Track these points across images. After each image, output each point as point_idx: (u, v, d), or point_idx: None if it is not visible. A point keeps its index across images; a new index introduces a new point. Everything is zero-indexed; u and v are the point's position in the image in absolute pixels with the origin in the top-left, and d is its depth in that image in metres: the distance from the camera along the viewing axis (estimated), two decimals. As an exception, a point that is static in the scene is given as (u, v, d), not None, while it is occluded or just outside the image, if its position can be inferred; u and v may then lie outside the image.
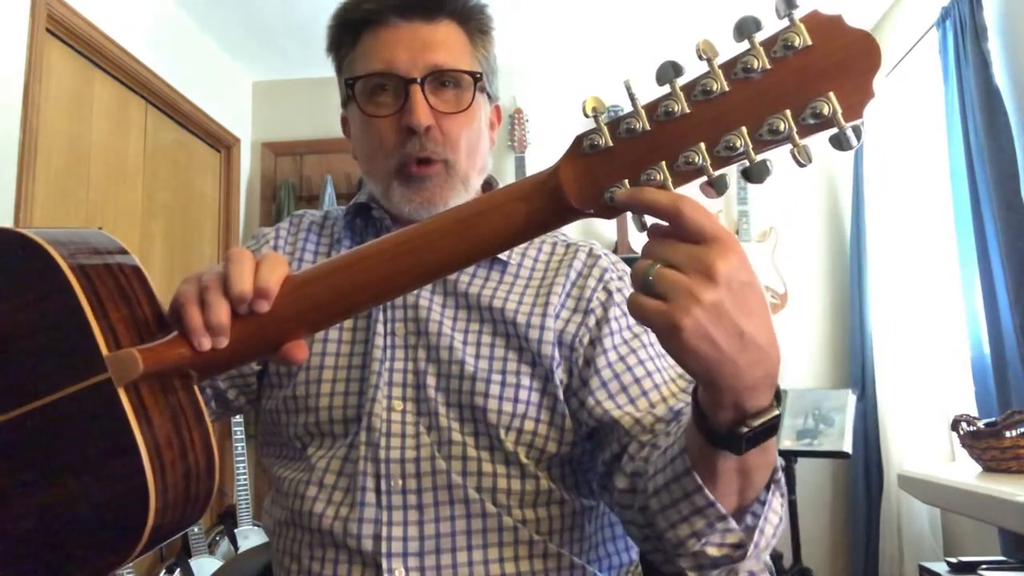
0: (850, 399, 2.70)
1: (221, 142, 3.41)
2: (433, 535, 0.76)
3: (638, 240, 3.26)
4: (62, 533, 0.52)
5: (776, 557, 2.59)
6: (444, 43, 0.83)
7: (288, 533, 0.82)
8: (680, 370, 0.81)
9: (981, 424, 1.71)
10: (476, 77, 0.84)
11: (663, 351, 0.82)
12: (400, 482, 0.77)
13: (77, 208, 2.48)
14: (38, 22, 2.20)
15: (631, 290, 0.87)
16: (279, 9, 3.04)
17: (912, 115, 2.87)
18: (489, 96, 0.90)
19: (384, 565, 0.75)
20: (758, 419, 0.52)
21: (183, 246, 3.12)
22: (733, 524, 0.60)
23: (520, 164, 3.33)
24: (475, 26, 0.87)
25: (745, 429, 0.52)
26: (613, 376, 0.79)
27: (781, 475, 0.62)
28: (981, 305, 2.28)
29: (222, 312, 0.53)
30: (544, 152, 3.38)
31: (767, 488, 0.61)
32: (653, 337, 0.83)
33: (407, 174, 0.82)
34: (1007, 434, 1.63)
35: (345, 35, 0.87)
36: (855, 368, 3.06)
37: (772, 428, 0.53)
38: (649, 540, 0.69)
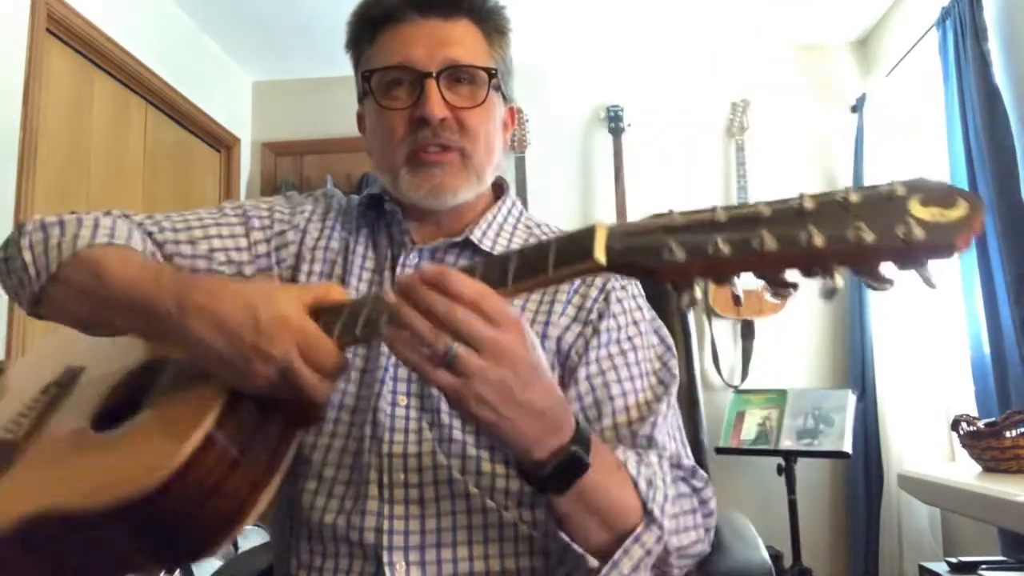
0: (850, 399, 2.70)
1: (221, 142, 3.41)
2: (434, 529, 0.77)
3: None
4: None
5: (776, 557, 2.59)
6: (461, 40, 0.84)
7: (289, 527, 0.83)
8: (649, 395, 0.83)
9: (981, 424, 1.71)
10: (491, 74, 0.85)
11: (646, 370, 0.84)
12: (402, 476, 0.78)
13: (77, 208, 2.46)
14: (38, 22, 2.20)
15: (629, 299, 0.88)
16: (279, 9, 3.03)
17: (912, 115, 2.87)
18: (504, 97, 0.91)
19: (385, 558, 0.75)
20: (554, 460, 0.63)
21: (183, 246, 3.12)
22: (592, 561, 0.68)
23: (520, 164, 3.30)
24: (492, 26, 0.88)
25: (542, 470, 0.63)
26: (590, 389, 0.81)
27: (655, 508, 0.70)
28: (981, 305, 2.28)
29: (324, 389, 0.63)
30: (544, 152, 3.37)
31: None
32: (640, 355, 0.84)
33: (417, 161, 0.83)
34: (1007, 434, 1.62)
35: (364, 31, 0.88)
36: (855, 368, 3.06)
37: (574, 465, 0.63)
38: None
